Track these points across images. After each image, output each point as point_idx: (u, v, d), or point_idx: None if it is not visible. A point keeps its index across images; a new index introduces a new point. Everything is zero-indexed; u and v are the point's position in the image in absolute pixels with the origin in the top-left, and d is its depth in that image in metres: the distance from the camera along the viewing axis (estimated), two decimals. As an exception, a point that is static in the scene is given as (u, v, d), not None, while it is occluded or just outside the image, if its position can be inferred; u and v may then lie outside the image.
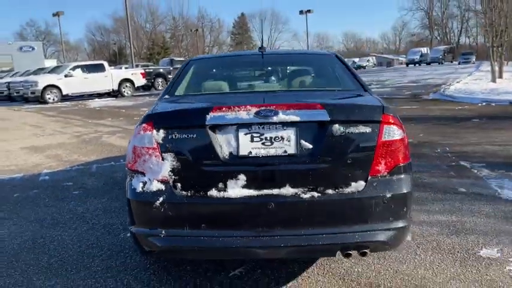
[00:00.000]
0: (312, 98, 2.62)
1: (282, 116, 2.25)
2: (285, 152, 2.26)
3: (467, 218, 3.49)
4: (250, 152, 2.25)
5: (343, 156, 2.25)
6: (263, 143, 2.26)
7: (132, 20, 78.91)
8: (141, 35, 77.96)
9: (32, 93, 19.56)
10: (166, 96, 2.96)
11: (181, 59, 33.25)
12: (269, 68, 3.65)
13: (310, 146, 2.25)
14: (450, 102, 12.21)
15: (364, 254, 2.26)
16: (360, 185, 2.25)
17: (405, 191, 2.30)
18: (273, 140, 2.26)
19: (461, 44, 76.33)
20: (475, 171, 4.85)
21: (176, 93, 3.03)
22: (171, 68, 26.22)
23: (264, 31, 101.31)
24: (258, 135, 2.26)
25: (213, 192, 2.21)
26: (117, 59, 67.90)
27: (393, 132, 2.31)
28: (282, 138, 2.26)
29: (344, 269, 2.73)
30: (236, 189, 2.20)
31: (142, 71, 22.85)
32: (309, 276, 2.66)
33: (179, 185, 2.25)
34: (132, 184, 2.33)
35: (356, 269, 2.73)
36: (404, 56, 66.51)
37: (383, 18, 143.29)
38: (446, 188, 4.29)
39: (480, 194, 4.05)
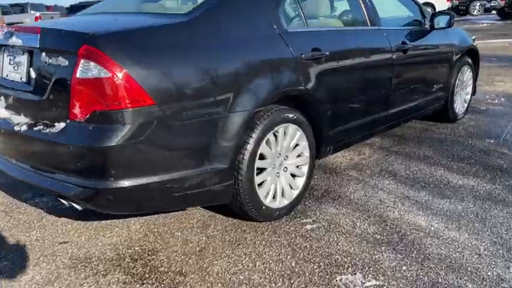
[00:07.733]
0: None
1: (14, 39, 2.09)
2: (21, 78, 2.15)
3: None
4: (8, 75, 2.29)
5: (45, 91, 1.99)
6: (14, 68, 2.19)
7: None
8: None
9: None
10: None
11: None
12: None
13: (34, 76, 2.06)
14: None
15: None
16: (61, 126, 1.95)
17: (104, 145, 1.80)
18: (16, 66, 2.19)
19: None
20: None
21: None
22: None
23: None
24: (12, 59, 2.21)
25: None
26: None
27: (93, 69, 1.79)
28: (21, 63, 2.14)
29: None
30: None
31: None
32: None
33: None
34: None
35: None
36: None
37: None
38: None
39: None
